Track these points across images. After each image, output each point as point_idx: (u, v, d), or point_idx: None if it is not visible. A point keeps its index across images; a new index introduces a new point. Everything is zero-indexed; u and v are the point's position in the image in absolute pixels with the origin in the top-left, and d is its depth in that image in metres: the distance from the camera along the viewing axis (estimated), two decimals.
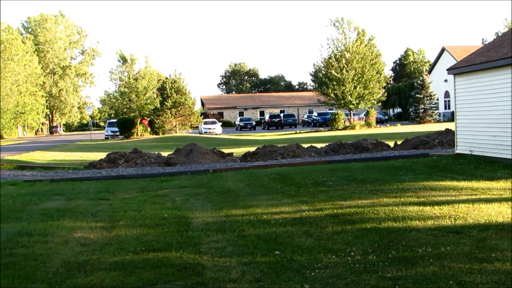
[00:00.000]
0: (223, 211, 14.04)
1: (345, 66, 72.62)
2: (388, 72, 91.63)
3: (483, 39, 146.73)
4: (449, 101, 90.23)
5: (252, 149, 35.93)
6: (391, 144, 33.59)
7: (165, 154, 33.07)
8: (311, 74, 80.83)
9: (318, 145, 35.08)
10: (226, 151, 34.49)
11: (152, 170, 27.08)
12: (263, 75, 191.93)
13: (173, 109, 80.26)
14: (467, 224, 11.09)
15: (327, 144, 34.10)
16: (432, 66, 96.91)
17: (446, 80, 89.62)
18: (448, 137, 33.55)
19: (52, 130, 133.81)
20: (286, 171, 22.31)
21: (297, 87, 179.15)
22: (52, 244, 11.00)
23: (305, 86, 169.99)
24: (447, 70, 26.52)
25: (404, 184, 16.89)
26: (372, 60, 75.03)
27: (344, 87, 72.61)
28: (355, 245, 9.92)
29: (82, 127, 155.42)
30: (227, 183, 20.29)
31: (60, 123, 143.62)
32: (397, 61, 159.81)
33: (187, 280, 8.33)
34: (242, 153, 34.13)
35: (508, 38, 24.07)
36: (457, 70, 25.25)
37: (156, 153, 33.30)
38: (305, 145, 33.97)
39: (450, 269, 8.21)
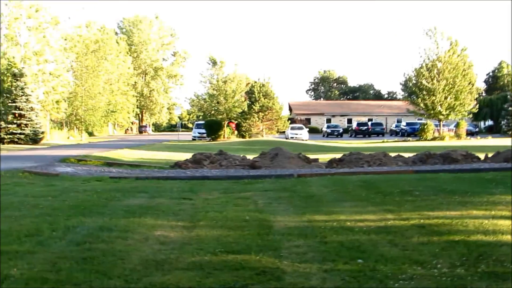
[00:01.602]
0: (306, 216, 13.73)
1: (436, 76, 71.39)
2: (480, 84, 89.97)
3: None
4: None
5: (338, 155, 35.52)
6: (482, 156, 32.59)
7: (250, 157, 32.97)
8: (401, 84, 79.75)
9: (406, 155, 34.36)
10: (311, 156, 34.17)
11: (236, 172, 26.99)
12: (352, 83, 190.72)
13: (260, 113, 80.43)
14: None
15: (415, 154, 33.34)
16: None
17: None
18: None
19: (141, 129, 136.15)
20: (371, 178, 21.85)
21: (386, 96, 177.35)
22: (132, 240, 10.93)
23: (394, 96, 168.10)
24: None
25: (494, 197, 16.21)
26: (464, 70, 73.47)
27: (434, 97, 71.35)
28: (442, 257, 9.46)
29: (171, 127, 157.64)
30: (311, 188, 19.98)
31: (149, 123, 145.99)
32: (490, 73, 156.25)
33: (265, 284, 8.08)
34: (327, 160, 33.75)
35: None
36: None
37: (241, 155, 33.25)
38: (392, 154, 33.30)
39: None
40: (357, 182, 20.75)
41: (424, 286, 7.92)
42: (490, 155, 32.93)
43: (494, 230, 11.51)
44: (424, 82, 70.60)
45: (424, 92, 71.14)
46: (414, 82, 72.77)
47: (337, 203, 16.14)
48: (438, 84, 70.94)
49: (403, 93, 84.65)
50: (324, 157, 36.47)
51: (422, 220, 12.73)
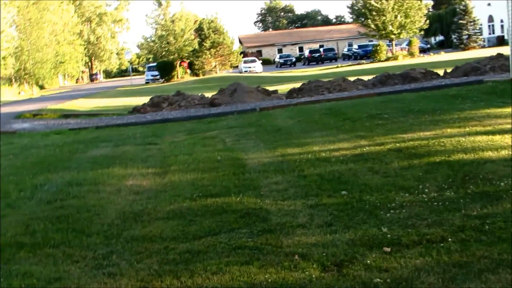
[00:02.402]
0: (278, 150, 13.37)
1: None
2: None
3: None
4: (493, 25, 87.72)
5: (297, 85, 35.07)
6: (441, 72, 32.41)
7: (208, 95, 32.41)
8: (348, 7, 79.11)
9: (364, 78, 34.04)
10: (270, 88, 33.69)
11: (197, 111, 26.49)
12: (299, 10, 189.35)
13: (212, 49, 79.37)
14: None
15: (374, 76, 33.05)
16: None
17: (489, 4, 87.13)
18: (500, 62, 32.22)
19: (92, 77, 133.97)
20: (336, 105, 21.52)
21: (334, 20, 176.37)
22: (104, 193, 10.46)
23: (342, 19, 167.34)
24: None
25: (465, 113, 16.00)
26: None
27: (384, 17, 70.94)
28: (428, 181, 9.18)
29: (122, 73, 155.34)
30: (277, 120, 19.63)
31: (99, 70, 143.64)
32: None
33: (252, 227, 7.70)
34: (286, 90, 33.31)
35: None
36: None
37: (199, 94, 32.67)
38: (351, 78, 32.96)
39: None
40: (322, 110, 20.42)
41: (416, 213, 7.60)
42: (448, 70, 32.79)
43: (473, 147, 11.26)
44: (373, 2, 70.07)
45: (374, 13, 70.68)
46: (362, 3, 72.19)
47: (307, 133, 15.78)
48: (387, 3, 70.49)
49: (351, 16, 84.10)
50: (283, 88, 35.99)
51: (398, 144, 12.46)
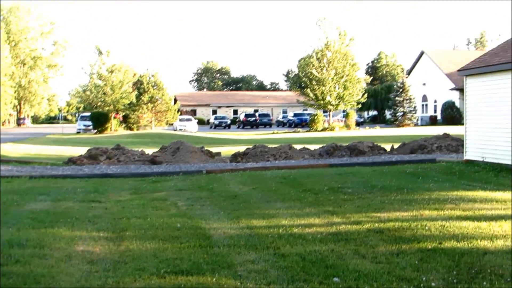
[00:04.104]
0: (242, 221, 12.18)
1: (326, 65, 71.07)
2: (362, 74, 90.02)
3: (454, 44, 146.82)
4: (426, 105, 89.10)
5: (235, 148, 34.23)
6: (387, 147, 31.91)
7: (146, 151, 31.10)
8: (284, 75, 79.24)
9: (309, 147, 33.27)
10: (209, 149, 32.52)
11: (138, 168, 25.10)
12: (234, 73, 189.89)
13: (149, 104, 77.99)
14: None
15: (322, 146, 32.30)
16: (410, 70, 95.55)
17: (424, 84, 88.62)
18: (446, 141, 32.00)
19: (19, 121, 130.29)
20: (290, 174, 20.52)
21: (269, 86, 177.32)
22: (52, 259, 9.04)
23: (277, 86, 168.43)
24: (458, 71, 24.86)
25: (434, 193, 15.18)
26: (352, 60, 73.68)
27: (324, 87, 71.06)
28: (428, 272, 8.15)
29: (50, 120, 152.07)
30: (229, 186, 18.48)
31: (28, 115, 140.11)
32: (370, 64, 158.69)
33: None
34: (227, 153, 32.33)
35: None
36: (470, 71, 23.61)
37: (139, 150, 31.27)
38: (296, 146, 32.14)
39: None
40: (276, 179, 19.39)
41: None
42: (388, 145, 32.38)
43: (463, 234, 10.35)
44: (314, 72, 70.14)
45: (314, 82, 70.71)
46: (303, 72, 72.22)
47: (268, 203, 14.67)
48: (327, 73, 70.70)
49: (287, 83, 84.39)
50: (222, 150, 34.92)
51: (376, 224, 11.44)
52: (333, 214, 12.70)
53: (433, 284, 7.63)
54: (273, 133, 69.13)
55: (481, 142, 22.77)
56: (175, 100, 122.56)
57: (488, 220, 11.42)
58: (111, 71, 73.22)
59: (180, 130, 77.21)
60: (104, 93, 72.96)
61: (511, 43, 23.38)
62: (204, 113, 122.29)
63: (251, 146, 31.25)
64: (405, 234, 10.52)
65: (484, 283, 7.60)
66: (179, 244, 10.06)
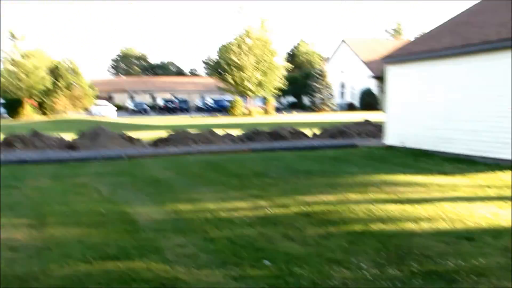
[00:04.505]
0: (168, 206, 12.01)
1: (246, 52, 70.97)
2: (281, 62, 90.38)
3: (373, 34, 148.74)
4: (344, 92, 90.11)
5: (155, 134, 33.84)
6: (308, 133, 32.07)
7: (64, 137, 30.41)
8: (203, 61, 78.88)
9: (230, 132, 33.10)
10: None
11: (56, 154, 24.49)
12: (153, 60, 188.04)
13: (66, 90, 76.37)
14: (471, 229, 9.50)
15: (243, 131, 32.24)
16: (330, 58, 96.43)
17: (342, 71, 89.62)
18: (366, 127, 32.44)
19: None
20: (213, 159, 20.39)
21: (188, 73, 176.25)
22: None
23: (195, 72, 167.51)
24: (382, 59, 25.14)
25: (357, 177, 15.30)
26: (272, 47, 73.83)
27: (243, 74, 70.99)
28: (358, 254, 8.16)
29: None
30: (152, 171, 18.20)
31: None
32: (290, 52, 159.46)
33: None
34: (148, 138, 31.88)
35: (448, 28, 22.92)
36: (392, 59, 23.98)
37: (58, 136, 30.53)
38: (217, 131, 31.94)
39: None
40: (199, 164, 19.23)
41: None
42: (309, 130, 32.59)
43: (389, 217, 10.44)
44: (233, 58, 69.96)
45: (234, 68, 70.54)
46: (223, 58, 71.92)
47: (192, 188, 14.49)
48: (247, 60, 70.61)
49: (206, 69, 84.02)
50: (142, 136, 34.38)
51: (303, 207, 11.44)
52: (259, 198, 12.64)
53: (363, 265, 7.63)
54: (192, 118, 68.71)
55: (401, 128, 23.14)
56: (92, 86, 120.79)
57: (412, 203, 11.56)
58: (25, 57, 71.31)
59: (97, 115, 76.01)
60: (19, 79, 71.05)
61: (431, 34, 23.79)
62: (122, 99, 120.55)
63: (171, 132, 30.92)
64: (332, 217, 10.55)
65: (413, 264, 7.64)
66: (105, 230, 9.84)
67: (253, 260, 7.95)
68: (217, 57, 75.33)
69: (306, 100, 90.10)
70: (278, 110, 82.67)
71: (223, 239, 9.15)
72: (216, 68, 76.81)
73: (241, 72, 70.77)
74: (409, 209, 11.06)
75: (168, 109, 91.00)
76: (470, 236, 8.98)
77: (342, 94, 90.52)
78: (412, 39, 25.88)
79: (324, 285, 6.89)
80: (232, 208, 11.60)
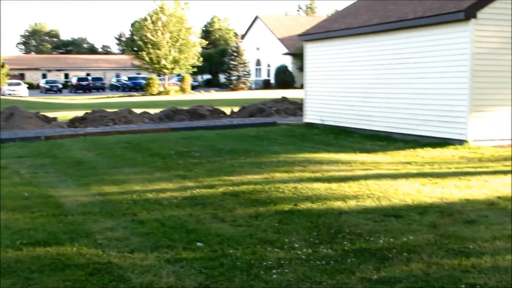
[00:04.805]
0: (93, 188, 11.85)
1: (161, 29, 70.31)
2: (196, 39, 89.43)
3: (286, 10, 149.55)
4: (260, 69, 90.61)
5: (72, 113, 33.39)
6: (227, 111, 32.13)
7: None
8: (116, 38, 77.78)
9: (148, 111, 32.84)
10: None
11: None
12: (64, 36, 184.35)
13: None
14: (397, 206, 9.71)
15: (161, 110, 32.05)
16: (244, 34, 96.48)
17: (258, 48, 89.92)
18: (284, 105, 32.70)
19: None
20: (133, 139, 20.19)
21: (100, 50, 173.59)
22: None
23: (109, 50, 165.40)
24: (299, 36, 25.33)
25: (280, 156, 15.41)
26: (187, 24, 73.40)
27: (159, 51, 70.38)
28: (289, 234, 8.24)
29: None
30: (72, 152, 17.92)
31: None
32: (204, 28, 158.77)
33: None
34: (65, 118, 31.35)
35: (365, 6, 23.23)
36: (310, 36, 24.17)
37: None
38: (135, 110, 31.65)
39: (440, 266, 6.70)
40: (120, 144, 19.01)
41: (306, 275, 6.58)
42: (227, 108, 32.66)
43: (316, 195, 10.57)
44: (148, 35, 69.25)
45: (149, 46, 69.87)
46: (138, 36, 71.11)
47: (116, 169, 14.33)
48: (162, 37, 70.00)
49: (120, 47, 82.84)
50: (59, 115, 33.80)
51: (230, 187, 11.46)
52: (185, 178, 12.61)
53: (296, 245, 7.71)
54: (108, 97, 67.79)
55: (320, 105, 23.41)
56: (3, 64, 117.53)
57: (338, 182, 11.70)
58: None
59: (9, 94, 74.21)
60: None
61: (349, 11, 24.05)
62: (34, 77, 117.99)
63: (88, 111, 30.48)
64: (260, 197, 10.61)
65: (345, 242, 7.77)
66: (31, 214, 9.62)
67: (186, 242, 7.93)
68: (130, 34, 74.28)
69: (222, 77, 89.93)
70: (194, 88, 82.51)
71: (153, 221, 9.10)
72: (131, 46, 75.89)
73: (156, 50, 70.11)
74: (335, 187, 11.21)
75: (82, 87, 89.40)
76: (397, 214, 9.18)
77: (258, 71, 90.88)
78: (325, 16, 26.09)
79: (259, 265, 6.92)
80: (159, 189, 11.53)
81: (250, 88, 79.87)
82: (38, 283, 6.44)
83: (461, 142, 16.65)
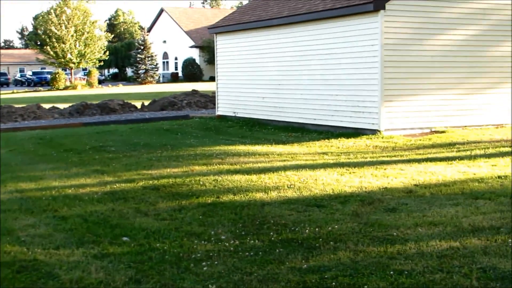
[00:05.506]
0: (9, 185, 11.61)
1: (65, 22, 69.06)
2: (102, 32, 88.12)
3: (190, 2, 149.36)
4: (167, 62, 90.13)
5: None
6: (137, 104, 31.90)
7: None
8: (18, 32, 76.11)
9: (57, 106, 32.27)
10: None
11: None
12: None
13: None
14: (319, 196, 9.88)
15: (70, 105, 31.52)
16: (151, 27, 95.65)
17: (165, 41, 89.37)
18: (195, 98, 32.72)
19: None
20: (45, 134, 19.87)
21: (2, 44, 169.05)
22: None
23: (11, 44, 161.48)
24: (209, 28, 25.38)
25: (197, 149, 15.45)
26: (92, 18, 72.43)
27: (64, 45, 69.13)
28: (215, 226, 8.29)
29: None
30: None
31: None
32: (108, 21, 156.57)
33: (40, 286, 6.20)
34: None
35: None
36: (221, 28, 24.23)
37: None
38: (46, 106, 31.07)
39: (367, 254, 6.87)
40: (32, 140, 18.67)
41: (236, 266, 6.65)
42: (146, 103, 32.44)
43: (237, 187, 10.65)
44: (53, 29, 67.92)
45: (54, 40, 68.53)
46: (43, 29, 69.71)
47: (31, 166, 14.08)
48: (66, 31, 68.78)
49: (21, 41, 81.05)
50: None
51: (150, 181, 11.43)
52: (103, 173, 12.50)
53: (222, 237, 7.76)
54: (13, 92, 66.15)
55: (233, 98, 23.52)
56: None
57: (257, 173, 11.78)
58: None
59: None
60: None
61: (258, 3, 24.20)
62: None
63: None
64: (182, 190, 10.62)
65: (271, 233, 7.87)
66: None
67: (111, 237, 7.88)
68: (34, 28, 72.70)
69: (129, 71, 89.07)
70: (101, 82, 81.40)
71: (75, 217, 9.01)
72: (35, 40, 74.29)
73: (61, 44, 68.85)
74: (255, 179, 11.30)
75: None
76: (319, 203, 9.35)
77: (165, 64, 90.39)
78: (229, 9, 26.19)
79: (188, 258, 6.95)
80: (77, 185, 11.40)
81: (158, 82, 79.39)
82: None
83: (373, 132, 17.02)
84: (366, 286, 5.90)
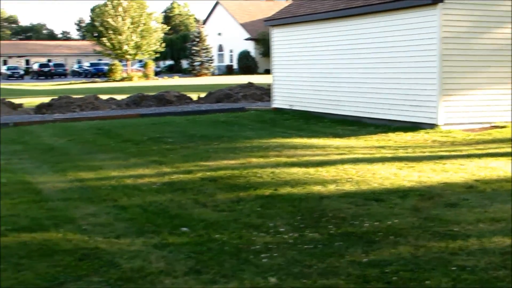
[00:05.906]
0: (70, 174, 11.81)
1: (122, 14, 69.81)
2: (158, 24, 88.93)
3: None
4: (222, 54, 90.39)
5: (37, 99, 33.06)
6: (193, 96, 32.10)
7: None
8: (76, 24, 77.20)
9: (114, 97, 32.66)
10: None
11: None
12: (23, 22, 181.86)
13: None
14: (377, 190, 9.81)
15: (127, 96, 31.88)
16: (206, 20, 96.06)
17: (220, 34, 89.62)
18: (251, 90, 32.76)
19: None
20: (104, 125, 20.14)
21: (60, 36, 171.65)
22: None
23: (69, 35, 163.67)
24: (265, 21, 25.38)
25: (254, 141, 15.49)
26: (148, 9, 73.08)
27: (120, 36, 69.91)
28: (274, 218, 8.30)
29: None
30: (43, 138, 17.84)
31: None
32: (164, 14, 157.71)
33: (104, 275, 6.26)
34: (30, 104, 31.13)
35: None
36: (277, 21, 24.22)
37: None
38: (103, 97, 31.50)
39: (428, 249, 6.80)
40: (91, 130, 18.95)
41: (295, 259, 6.65)
42: (193, 94, 32.65)
43: (295, 180, 10.65)
44: (110, 20, 68.78)
45: (110, 31, 69.40)
46: (99, 21, 70.60)
47: (90, 155, 14.28)
48: (123, 22, 69.56)
49: (79, 33, 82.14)
50: (25, 102, 33.46)
51: (208, 173, 11.50)
52: (161, 164, 12.62)
53: (281, 229, 7.77)
54: (71, 83, 67.17)
55: (288, 90, 23.48)
56: None
57: (314, 166, 11.77)
58: None
59: None
60: None
61: None
62: None
63: (54, 97, 30.26)
64: (239, 182, 10.65)
65: (330, 226, 7.85)
66: (10, 200, 9.57)
67: (171, 228, 7.95)
68: (91, 19, 73.60)
69: (185, 63, 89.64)
70: (157, 74, 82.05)
71: (134, 207, 9.11)
72: (92, 31, 75.24)
73: (118, 35, 69.60)
74: (312, 172, 11.29)
75: (44, 74, 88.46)
76: (378, 197, 9.29)
77: (220, 57, 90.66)
78: (285, 1, 26.16)
79: (248, 250, 6.97)
80: (136, 175, 11.53)
81: (213, 74, 79.79)
82: (28, 269, 6.43)
83: (431, 126, 16.83)
84: (428, 282, 5.85)
